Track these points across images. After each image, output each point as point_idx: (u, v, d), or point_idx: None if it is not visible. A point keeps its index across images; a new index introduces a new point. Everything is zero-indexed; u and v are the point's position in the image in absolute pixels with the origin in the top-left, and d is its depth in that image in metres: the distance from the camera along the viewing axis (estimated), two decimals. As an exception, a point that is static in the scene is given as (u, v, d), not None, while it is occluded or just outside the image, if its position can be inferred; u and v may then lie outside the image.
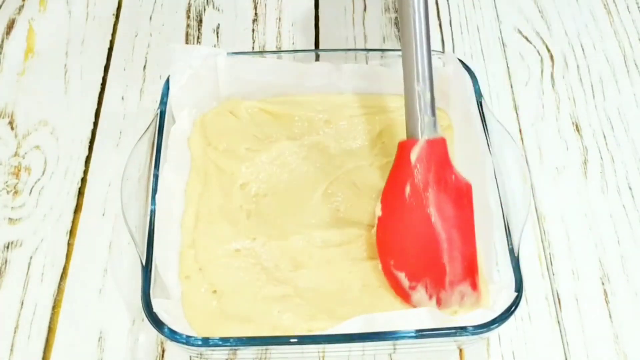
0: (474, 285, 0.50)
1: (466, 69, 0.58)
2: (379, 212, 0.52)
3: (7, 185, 0.61)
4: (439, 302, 0.50)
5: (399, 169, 0.52)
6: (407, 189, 0.51)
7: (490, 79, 0.69)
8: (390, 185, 0.52)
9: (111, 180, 0.61)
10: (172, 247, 0.52)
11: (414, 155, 0.51)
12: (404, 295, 0.51)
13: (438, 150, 0.52)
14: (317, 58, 0.61)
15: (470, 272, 0.50)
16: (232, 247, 0.53)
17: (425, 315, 0.47)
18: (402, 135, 0.53)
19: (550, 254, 0.58)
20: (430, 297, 0.50)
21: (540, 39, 0.72)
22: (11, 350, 0.53)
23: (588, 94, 0.68)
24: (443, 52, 0.66)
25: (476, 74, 0.58)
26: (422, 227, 0.51)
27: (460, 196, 0.51)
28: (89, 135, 0.64)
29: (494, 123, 0.55)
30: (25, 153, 0.63)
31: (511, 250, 0.49)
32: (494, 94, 0.68)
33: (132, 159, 0.53)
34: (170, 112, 0.56)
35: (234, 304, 0.50)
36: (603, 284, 0.57)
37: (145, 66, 0.69)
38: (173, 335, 0.45)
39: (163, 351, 0.53)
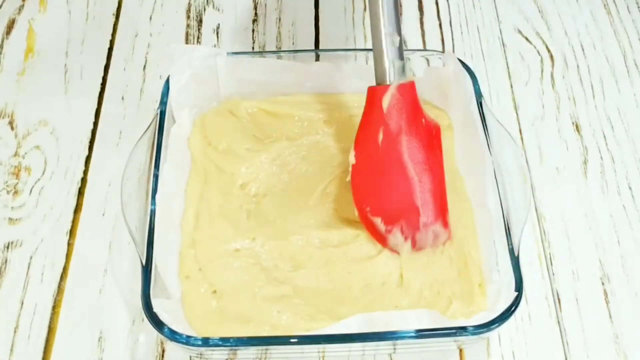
0: (445, 224, 0.53)
1: (466, 69, 0.58)
2: (352, 160, 0.52)
3: (7, 185, 0.61)
4: (414, 244, 0.52)
5: (371, 116, 0.52)
6: (380, 136, 0.51)
7: (490, 78, 0.69)
8: (363, 132, 0.52)
9: (111, 180, 0.61)
10: (172, 247, 0.52)
11: (385, 101, 0.51)
12: (381, 240, 0.52)
13: (409, 94, 0.52)
14: (317, 58, 0.61)
15: (441, 212, 0.53)
16: (232, 247, 0.53)
17: (426, 315, 0.47)
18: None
19: (550, 254, 0.58)
20: (406, 239, 0.52)
21: (540, 39, 0.72)
22: (11, 350, 0.53)
23: (588, 94, 0.68)
24: (443, 52, 0.66)
25: (476, 73, 0.58)
26: (396, 172, 0.52)
27: (430, 139, 0.53)
28: (89, 135, 0.64)
29: (494, 123, 0.55)
30: (25, 153, 0.63)
31: (511, 250, 0.49)
32: (494, 93, 0.68)
33: (132, 159, 0.53)
34: (170, 112, 0.56)
35: (233, 304, 0.50)
36: (603, 284, 0.57)
37: (145, 66, 0.69)
38: (173, 336, 0.45)
39: (163, 351, 0.53)
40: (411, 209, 0.52)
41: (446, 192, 0.53)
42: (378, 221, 0.52)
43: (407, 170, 0.52)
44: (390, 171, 0.52)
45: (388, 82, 0.51)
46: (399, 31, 0.51)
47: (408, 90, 0.52)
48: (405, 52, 0.61)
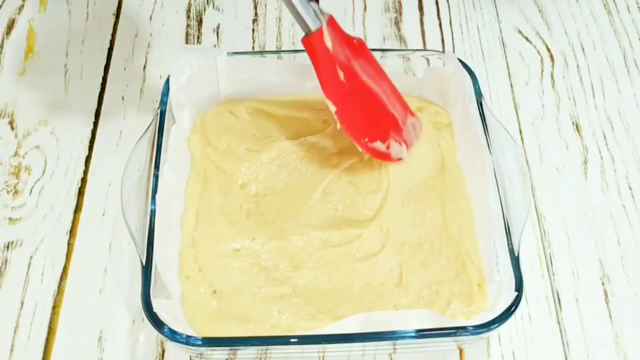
0: (411, 113, 0.58)
1: (466, 69, 0.58)
2: (333, 108, 0.53)
3: (7, 185, 0.61)
4: (407, 144, 0.57)
5: (324, 61, 0.53)
6: (340, 73, 0.54)
7: (491, 78, 0.69)
8: (325, 79, 0.54)
9: (111, 180, 0.61)
10: (172, 247, 0.52)
11: (328, 42, 0.53)
12: (386, 157, 0.56)
13: (334, 27, 0.54)
14: (317, 58, 0.61)
15: (404, 105, 0.58)
16: (232, 247, 0.53)
17: (426, 315, 0.47)
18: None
19: (550, 253, 0.58)
20: (401, 144, 0.56)
21: (540, 38, 0.72)
22: (11, 350, 0.53)
23: (588, 94, 0.68)
24: (443, 52, 0.66)
25: (476, 73, 0.58)
26: (366, 95, 0.56)
27: (364, 51, 0.56)
28: (89, 135, 0.64)
29: (494, 123, 0.55)
30: (26, 153, 0.63)
31: (511, 250, 0.49)
32: (494, 93, 0.68)
33: (132, 159, 0.53)
34: (170, 112, 0.56)
35: (233, 304, 0.50)
36: (603, 284, 0.57)
37: (145, 66, 0.69)
38: (173, 335, 0.45)
39: (163, 351, 0.53)
40: (390, 117, 0.56)
41: (393, 84, 0.57)
42: (378, 145, 0.55)
43: (371, 88, 0.56)
44: (363, 98, 0.55)
45: (317, 27, 0.52)
46: None
47: (332, 22, 0.53)
48: (405, 52, 0.61)
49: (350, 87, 0.54)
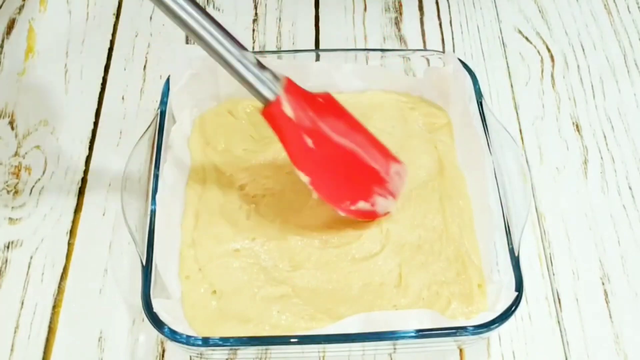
0: (393, 158, 0.55)
1: (466, 69, 0.58)
2: (305, 179, 0.50)
3: (7, 185, 0.61)
4: (394, 195, 0.54)
5: (287, 132, 0.50)
6: (307, 140, 0.50)
7: (491, 78, 0.69)
8: (292, 150, 0.50)
9: (111, 180, 0.61)
10: (172, 247, 0.52)
11: (288, 111, 0.49)
12: (373, 215, 0.53)
13: (294, 88, 0.49)
14: (317, 58, 0.61)
15: (384, 152, 0.54)
16: (232, 247, 0.53)
17: (426, 315, 0.47)
18: (401, 130, 0.52)
19: (550, 253, 0.58)
20: (386, 197, 0.53)
21: (541, 38, 0.72)
22: (11, 350, 0.53)
23: (588, 94, 0.68)
24: (443, 52, 0.66)
25: (476, 73, 0.58)
26: (342, 155, 0.52)
27: (333, 106, 0.52)
28: (89, 135, 0.64)
29: (494, 123, 0.55)
30: (26, 153, 0.63)
31: (511, 250, 0.49)
32: (494, 93, 0.68)
33: (132, 159, 0.53)
34: (170, 112, 0.56)
35: (233, 304, 0.50)
36: (603, 284, 0.57)
37: (145, 66, 0.69)
38: (173, 335, 0.45)
39: (163, 351, 0.53)
40: (371, 172, 0.53)
41: (371, 133, 0.54)
42: (362, 205, 0.52)
43: (345, 146, 0.52)
44: (338, 159, 0.52)
45: (274, 96, 0.48)
46: (239, 45, 0.47)
47: (291, 86, 0.49)
48: (405, 52, 0.61)
49: (321, 152, 0.51)
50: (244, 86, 0.48)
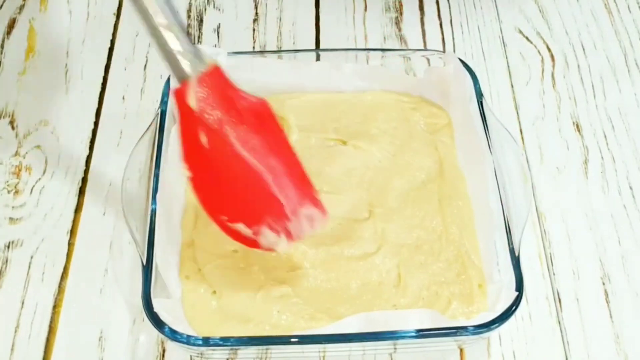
0: (316, 203, 0.48)
1: (467, 69, 0.58)
2: (187, 173, 0.46)
3: (7, 185, 0.61)
4: (289, 236, 0.47)
5: (185, 120, 0.45)
6: (203, 137, 0.45)
7: (491, 78, 0.69)
8: (184, 140, 0.46)
9: (112, 180, 0.61)
10: (173, 247, 0.52)
11: (191, 99, 0.44)
12: (253, 243, 0.47)
13: (214, 81, 0.45)
14: (317, 58, 0.61)
15: (306, 192, 0.48)
16: (231, 247, 0.53)
17: (426, 315, 0.47)
18: (402, 131, 0.52)
19: (550, 253, 0.58)
20: (279, 233, 0.47)
21: (541, 38, 0.72)
22: (12, 350, 0.53)
23: (589, 94, 0.68)
24: (443, 51, 0.66)
25: (477, 73, 0.58)
26: (237, 168, 0.46)
27: (261, 119, 0.47)
28: (90, 135, 0.64)
29: (495, 122, 0.55)
30: (26, 153, 0.63)
31: (511, 250, 0.49)
32: (494, 93, 0.68)
33: (132, 159, 0.53)
34: (170, 112, 0.56)
35: (233, 304, 0.50)
36: (603, 283, 0.57)
37: (145, 66, 0.69)
38: (174, 335, 0.45)
39: (163, 351, 0.53)
40: (270, 200, 0.46)
41: (303, 167, 0.48)
42: (241, 227, 0.47)
43: (248, 162, 0.46)
44: (230, 170, 0.46)
45: (189, 77, 0.44)
46: (176, 19, 0.44)
47: (212, 77, 0.45)
48: (406, 52, 0.61)
49: (215, 155, 0.46)
50: (159, 50, 0.44)
